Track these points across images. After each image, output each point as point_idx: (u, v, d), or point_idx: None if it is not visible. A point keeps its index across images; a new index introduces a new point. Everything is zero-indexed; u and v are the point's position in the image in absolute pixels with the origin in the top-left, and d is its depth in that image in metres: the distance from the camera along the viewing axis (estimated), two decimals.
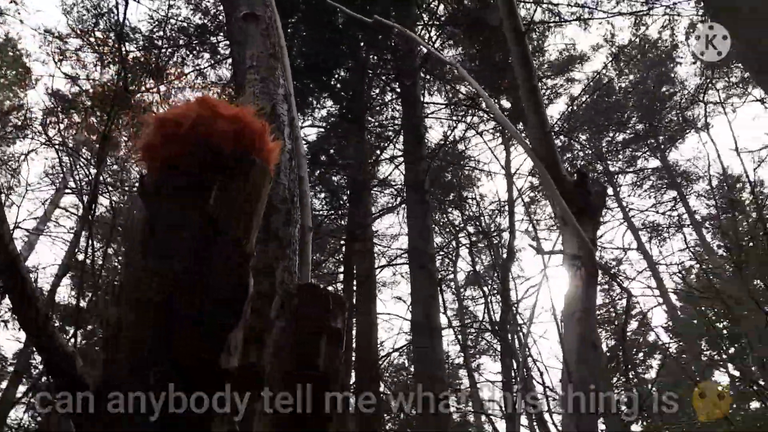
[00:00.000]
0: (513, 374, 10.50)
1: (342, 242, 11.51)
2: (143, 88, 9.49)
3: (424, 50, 10.83)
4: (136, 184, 1.08)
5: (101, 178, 8.74)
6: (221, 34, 10.23)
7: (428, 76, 11.23)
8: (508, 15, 3.61)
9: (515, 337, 11.30)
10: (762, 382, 11.44)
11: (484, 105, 10.28)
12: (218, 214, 1.00)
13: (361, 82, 11.33)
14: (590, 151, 15.87)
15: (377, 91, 12.60)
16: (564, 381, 2.78)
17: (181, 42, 9.86)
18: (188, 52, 10.02)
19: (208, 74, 10.42)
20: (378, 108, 12.67)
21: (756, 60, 5.26)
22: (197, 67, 10.14)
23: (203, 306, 0.93)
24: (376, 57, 11.94)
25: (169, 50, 9.65)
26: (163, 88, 9.65)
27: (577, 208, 3.20)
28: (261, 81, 2.96)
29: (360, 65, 11.41)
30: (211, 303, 0.94)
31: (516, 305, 11.51)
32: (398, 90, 10.65)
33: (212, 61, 10.24)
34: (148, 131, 1.06)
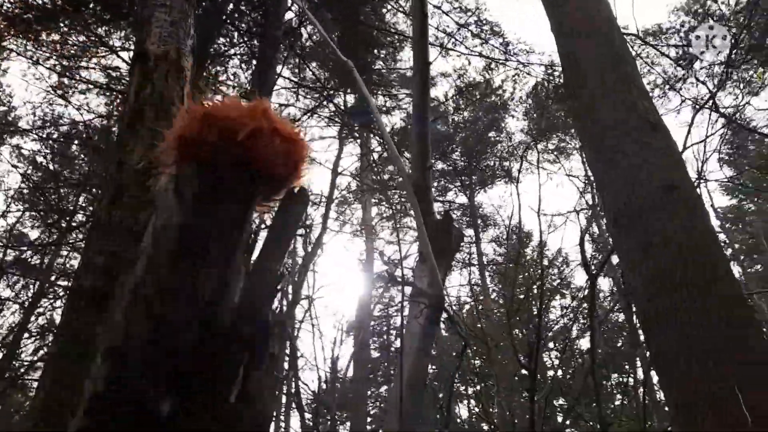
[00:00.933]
0: (286, 368, 10.71)
1: None
2: None
3: (292, 22, 10.68)
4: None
5: None
6: None
7: (287, 48, 11.06)
8: (418, 44, 3.76)
9: (296, 332, 11.54)
10: (496, 421, 12.98)
11: (337, 100, 10.38)
12: (253, 232, 0.99)
13: (213, 28, 10.79)
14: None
15: (224, 41, 12.09)
16: (396, 415, 2.98)
17: None
18: None
19: None
20: (222, 60, 12.15)
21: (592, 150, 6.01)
22: None
23: (239, 323, 0.92)
24: (234, 6, 11.47)
25: None
26: None
27: (438, 247, 3.43)
28: (171, 24, 2.77)
29: (217, 9, 10.88)
30: (246, 322, 0.93)
31: (311, 300, 11.77)
32: (255, 53, 10.34)
33: None
34: (191, 123, 1.00)
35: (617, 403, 14.07)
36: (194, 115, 1.00)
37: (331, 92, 11.55)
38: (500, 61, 12.23)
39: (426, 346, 3.19)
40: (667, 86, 11.43)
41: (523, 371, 9.46)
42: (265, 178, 1.01)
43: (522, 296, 13.62)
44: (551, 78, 12.29)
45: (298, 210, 1.04)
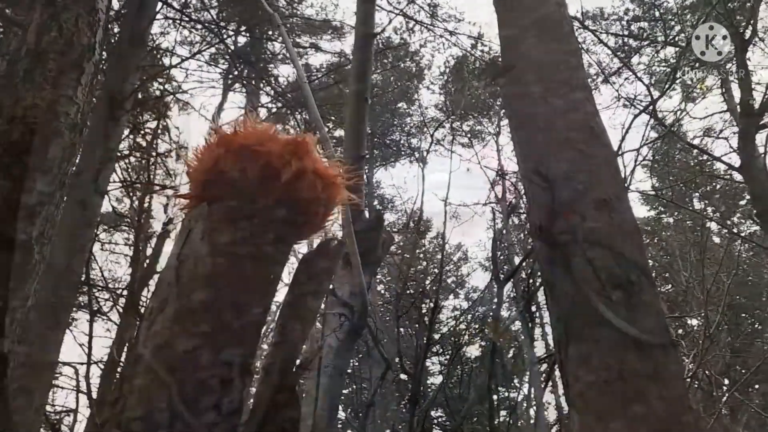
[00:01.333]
0: None
1: None
2: None
3: None
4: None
5: None
6: None
7: None
8: (364, 21, 3.78)
9: None
10: None
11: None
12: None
13: None
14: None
15: None
16: None
17: None
18: None
19: None
20: None
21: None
22: None
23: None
24: None
25: None
26: None
27: (364, 250, 3.47)
28: None
29: None
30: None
31: None
32: None
33: None
34: (225, 155, 0.97)
35: (502, 419, 14.78)
36: (229, 145, 0.98)
37: (224, 28, 11.19)
38: (426, 25, 12.35)
39: (342, 366, 3.25)
40: (601, 79, 11.97)
41: (403, 376, 9.76)
42: (300, 223, 1.02)
43: (412, 292, 13.99)
44: (480, 53, 12.52)
45: (329, 265, 1.05)
